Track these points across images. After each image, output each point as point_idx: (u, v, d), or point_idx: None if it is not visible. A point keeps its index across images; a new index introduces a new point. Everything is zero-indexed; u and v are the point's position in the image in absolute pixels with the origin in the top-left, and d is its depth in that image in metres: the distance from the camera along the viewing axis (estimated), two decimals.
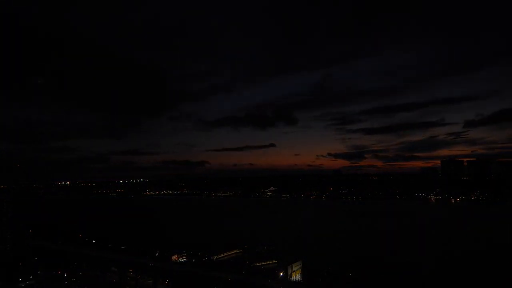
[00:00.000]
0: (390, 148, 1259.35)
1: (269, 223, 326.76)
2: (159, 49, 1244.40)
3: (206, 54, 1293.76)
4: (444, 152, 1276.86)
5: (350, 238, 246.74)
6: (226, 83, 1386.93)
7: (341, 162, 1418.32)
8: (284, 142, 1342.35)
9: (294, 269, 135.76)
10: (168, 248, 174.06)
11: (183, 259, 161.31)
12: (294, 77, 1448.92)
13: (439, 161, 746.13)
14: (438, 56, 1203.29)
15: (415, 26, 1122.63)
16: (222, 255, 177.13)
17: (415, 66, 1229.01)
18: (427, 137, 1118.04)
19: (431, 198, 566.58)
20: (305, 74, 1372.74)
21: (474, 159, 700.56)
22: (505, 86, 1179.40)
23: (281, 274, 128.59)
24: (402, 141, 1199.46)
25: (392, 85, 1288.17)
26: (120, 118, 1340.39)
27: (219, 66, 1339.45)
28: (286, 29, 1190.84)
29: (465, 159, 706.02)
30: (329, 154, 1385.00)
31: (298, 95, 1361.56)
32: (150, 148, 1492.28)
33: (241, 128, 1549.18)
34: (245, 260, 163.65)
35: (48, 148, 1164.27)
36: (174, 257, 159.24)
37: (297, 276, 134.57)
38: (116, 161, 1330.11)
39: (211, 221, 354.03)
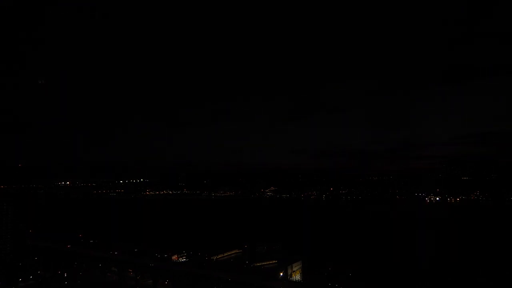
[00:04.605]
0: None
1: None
2: None
3: None
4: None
5: (350, 238, 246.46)
6: None
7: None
8: None
9: (294, 269, 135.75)
10: (168, 248, 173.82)
11: (183, 259, 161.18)
12: None
13: (439, 161, 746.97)
14: None
15: None
16: (222, 255, 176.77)
17: None
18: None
19: (431, 198, 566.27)
20: None
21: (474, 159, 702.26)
22: None
23: (281, 274, 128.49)
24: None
25: None
26: None
27: None
28: None
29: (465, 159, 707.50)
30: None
31: None
32: None
33: None
34: (245, 260, 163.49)
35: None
36: (174, 257, 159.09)
37: (297, 276, 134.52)
38: None
39: (211, 221, 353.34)
